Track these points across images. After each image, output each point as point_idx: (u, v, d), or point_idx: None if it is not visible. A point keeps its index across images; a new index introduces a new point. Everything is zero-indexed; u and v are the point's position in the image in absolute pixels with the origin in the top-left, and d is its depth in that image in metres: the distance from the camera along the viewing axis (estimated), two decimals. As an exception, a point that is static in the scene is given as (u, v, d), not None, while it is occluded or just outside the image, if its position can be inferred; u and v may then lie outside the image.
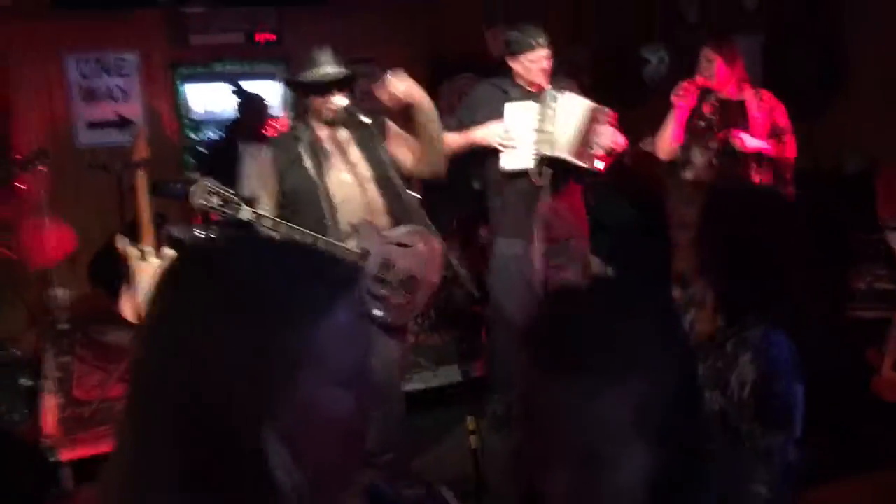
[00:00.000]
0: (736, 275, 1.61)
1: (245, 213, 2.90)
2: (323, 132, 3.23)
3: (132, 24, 5.76)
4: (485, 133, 3.78)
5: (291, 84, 3.47)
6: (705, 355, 1.58)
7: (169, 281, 0.82)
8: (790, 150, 4.10)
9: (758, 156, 4.04)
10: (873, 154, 5.57)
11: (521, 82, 3.87)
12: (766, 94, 4.14)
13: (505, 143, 3.75)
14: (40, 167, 4.99)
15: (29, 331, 5.55)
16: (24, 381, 4.77)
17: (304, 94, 3.25)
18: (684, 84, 4.14)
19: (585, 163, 3.72)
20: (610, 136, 3.75)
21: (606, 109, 3.76)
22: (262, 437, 0.73)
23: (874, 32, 5.50)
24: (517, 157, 3.77)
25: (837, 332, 4.57)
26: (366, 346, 0.82)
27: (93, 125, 5.79)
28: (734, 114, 4.07)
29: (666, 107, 4.25)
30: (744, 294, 1.59)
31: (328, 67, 3.16)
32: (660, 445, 0.79)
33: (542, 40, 3.76)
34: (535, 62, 3.77)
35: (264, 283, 0.77)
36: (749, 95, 4.10)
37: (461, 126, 3.85)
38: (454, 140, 3.78)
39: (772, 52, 6.34)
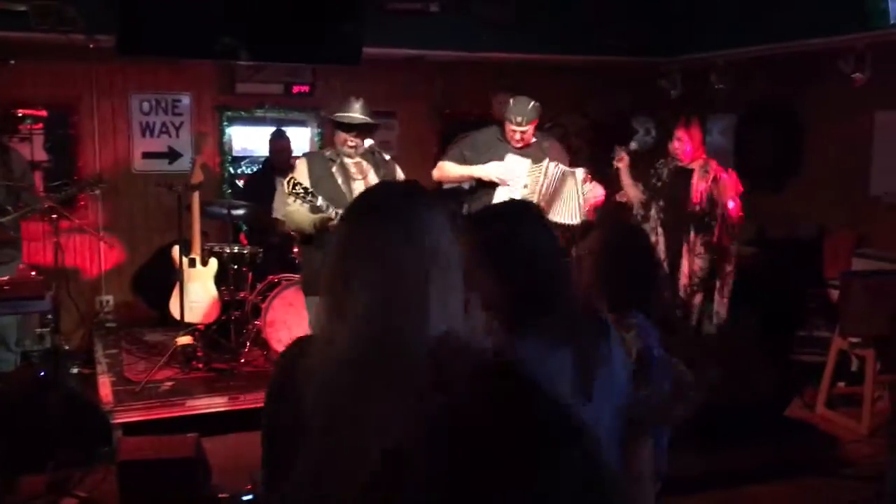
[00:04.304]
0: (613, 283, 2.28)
1: (320, 200, 3.83)
2: (349, 160, 4.10)
3: (188, 71, 6.64)
4: (486, 170, 4.59)
5: (330, 121, 4.26)
6: None
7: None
8: (735, 211, 4.92)
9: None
10: (823, 224, 6.39)
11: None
12: (713, 164, 4.96)
13: (503, 180, 4.56)
14: (96, 190, 5.79)
15: (77, 329, 6.31)
16: (75, 369, 5.52)
17: (335, 129, 4.12)
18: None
19: (565, 219, 4.61)
20: (592, 191, 4.61)
21: (579, 170, 4.62)
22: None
23: (828, 121, 6.37)
24: (508, 196, 4.48)
25: (778, 370, 5.28)
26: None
27: (147, 155, 6.62)
28: (682, 178, 4.94)
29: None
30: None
31: (359, 113, 4.06)
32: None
33: (521, 119, 4.56)
34: (512, 133, 4.62)
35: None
36: (697, 165, 4.94)
37: (464, 160, 4.69)
38: (457, 170, 4.69)
39: (741, 131, 7.23)
